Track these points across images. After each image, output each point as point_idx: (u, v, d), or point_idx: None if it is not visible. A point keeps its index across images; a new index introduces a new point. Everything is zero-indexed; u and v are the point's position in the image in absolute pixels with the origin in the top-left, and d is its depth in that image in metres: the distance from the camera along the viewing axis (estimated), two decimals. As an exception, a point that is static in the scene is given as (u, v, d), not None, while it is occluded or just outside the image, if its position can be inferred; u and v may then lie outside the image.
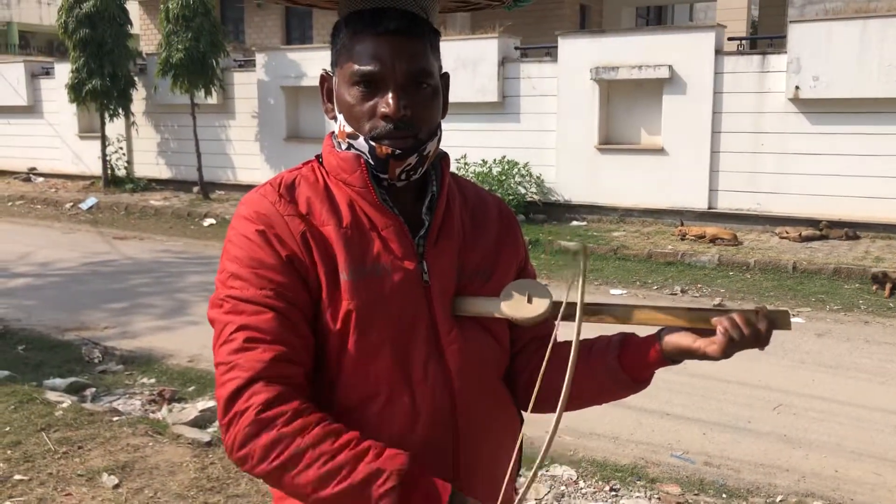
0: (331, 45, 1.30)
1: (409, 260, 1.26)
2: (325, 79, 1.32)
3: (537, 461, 1.17)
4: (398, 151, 1.23)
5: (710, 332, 1.23)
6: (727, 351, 1.20)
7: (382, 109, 1.22)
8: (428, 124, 1.25)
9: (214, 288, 1.27)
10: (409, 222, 1.29)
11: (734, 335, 1.20)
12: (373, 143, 1.23)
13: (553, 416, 1.17)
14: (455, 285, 1.31)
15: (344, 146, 1.28)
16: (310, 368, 1.23)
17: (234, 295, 1.21)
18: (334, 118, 1.30)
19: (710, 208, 10.55)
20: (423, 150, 1.25)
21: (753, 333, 1.21)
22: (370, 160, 1.25)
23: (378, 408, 1.24)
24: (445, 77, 1.33)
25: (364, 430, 1.19)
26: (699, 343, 1.22)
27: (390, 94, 1.21)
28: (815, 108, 9.83)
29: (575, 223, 11.14)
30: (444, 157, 1.36)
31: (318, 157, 1.34)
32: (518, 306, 1.27)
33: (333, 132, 1.32)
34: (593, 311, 1.28)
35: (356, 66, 1.22)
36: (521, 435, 1.33)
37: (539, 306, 1.26)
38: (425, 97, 1.25)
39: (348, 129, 1.26)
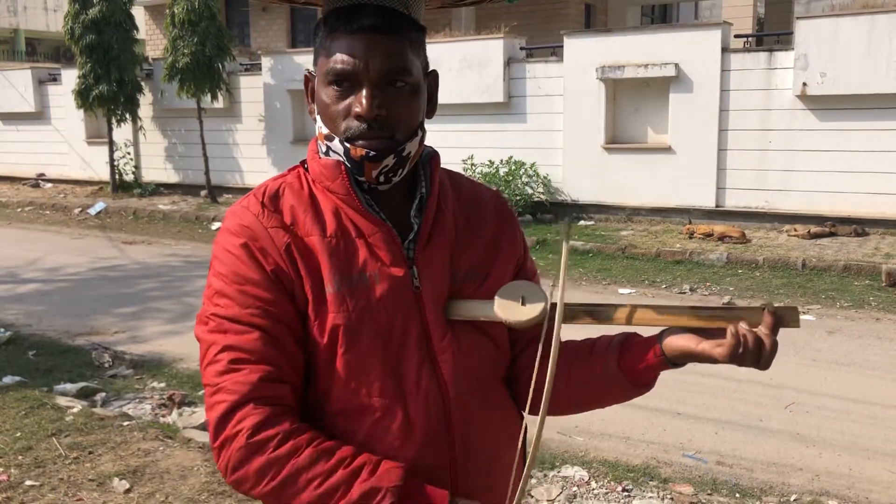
0: (312, 44, 1.27)
1: (398, 266, 1.22)
2: (308, 79, 1.28)
3: (526, 466, 1.14)
4: (372, 153, 1.18)
5: (713, 333, 1.18)
6: (734, 353, 1.14)
7: (356, 109, 1.17)
8: (405, 124, 1.20)
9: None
10: (398, 227, 1.24)
11: (744, 337, 1.14)
12: (347, 145, 1.19)
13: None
14: (448, 289, 1.26)
15: (323, 149, 1.24)
16: (298, 385, 1.20)
17: (218, 313, 1.19)
18: (316, 119, 1.26)
19: (717, 206, 10.51)
20: (402, 151, 1.20)
21: (757, 342, 1.15)
22: (346, 162, 1.21)
23: (371, 421, 1.20)
24: (433, 75, 1.28)
25: (358, 444, 1.17)
26: (703, 345, 1.17)
27: (364, 93, 1.17)
28: (823, 105, 9.78)
29: (582, 223, 11.12)
30: (433, 156, 1.31)
31: (304, 162, 1.30)
32: (512, 309, 1.22)
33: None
34: (588, 313, 1.23)
35: (330, 65, 1.18)
36: (521, 436, 1.30)
37: (533, 309, 1.21)
38: (402, 96, 1.19)
39: (325, 131, 1.22)
